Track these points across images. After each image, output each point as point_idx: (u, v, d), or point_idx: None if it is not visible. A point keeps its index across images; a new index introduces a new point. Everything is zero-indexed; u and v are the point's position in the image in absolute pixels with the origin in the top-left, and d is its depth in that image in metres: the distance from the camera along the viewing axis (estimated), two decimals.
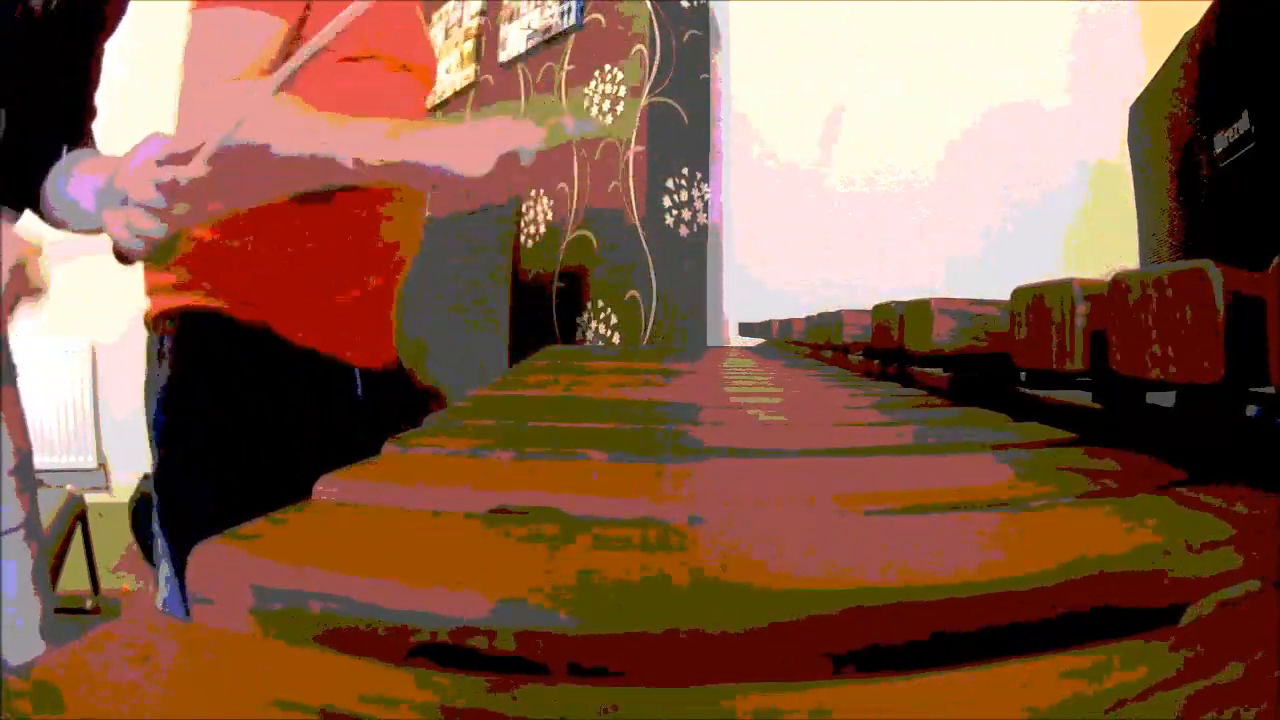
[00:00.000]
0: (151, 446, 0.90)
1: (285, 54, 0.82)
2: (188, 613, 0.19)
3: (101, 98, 0.88)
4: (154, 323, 0.90)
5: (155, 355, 0.89)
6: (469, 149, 0.85)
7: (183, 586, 0.26)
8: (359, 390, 0.99)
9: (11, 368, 0.83)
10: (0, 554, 0.74)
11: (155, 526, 0.91)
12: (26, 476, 0.81)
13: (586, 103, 1.93)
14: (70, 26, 0.78)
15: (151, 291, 0.91)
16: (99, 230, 0.75)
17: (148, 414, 0.90)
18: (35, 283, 0.70)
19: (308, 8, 0.84)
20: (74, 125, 0.83)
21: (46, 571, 0.82)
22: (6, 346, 0.83)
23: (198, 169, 0.68)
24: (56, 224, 0.81)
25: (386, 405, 1.03)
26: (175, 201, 0.69)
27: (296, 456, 0.86)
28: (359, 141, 0.82)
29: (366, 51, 0.89)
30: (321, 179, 0.85)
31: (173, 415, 0.88)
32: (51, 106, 0.79)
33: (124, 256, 0.74)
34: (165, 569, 0.92)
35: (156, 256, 0.73)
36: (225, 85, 0.79)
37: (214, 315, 0.87)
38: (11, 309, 0.69)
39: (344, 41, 0.84)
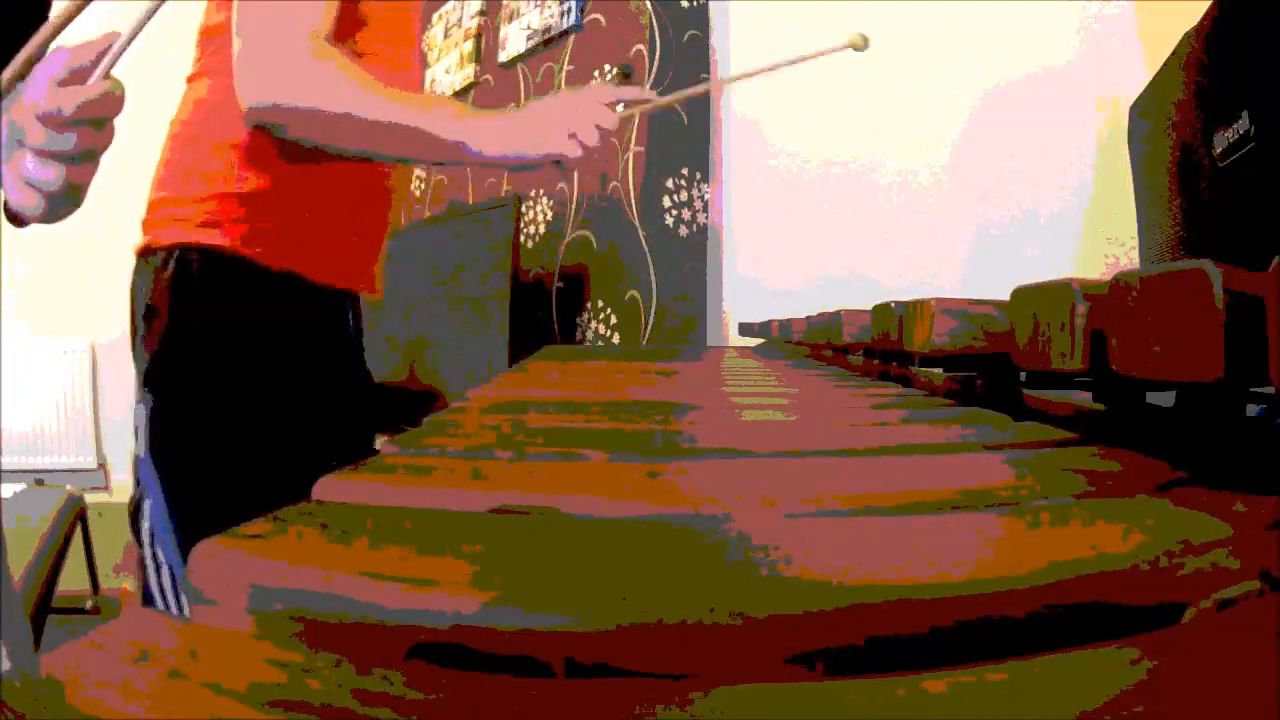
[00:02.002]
0: (150, 385, 0.87)
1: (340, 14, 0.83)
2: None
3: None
4: (161, 251, 0.88)
5: (156, 285, 0.87)
6: (536, 131, 0.88)
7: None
8: (350, 316, 1.00)
9: None
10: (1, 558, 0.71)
11: (152, 503, 0.88)
12: None
13: None
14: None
15: (158, 222, 0.90)
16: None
17: (142, 346, 0.88)
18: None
19: None
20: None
21: (9, 576, 0.74)
22: None
23: (97, 88, 0.52)
24: None
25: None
26: (75, 137, 0.52)
27: (313, 398, 0.88)
28: (439, 121, 0.85)
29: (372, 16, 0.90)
30: (413, 151, 0.86)
31: (178, 348, 0.86)
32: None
33: (17, 218, 0.58)
34: (161, 554, 0.90)
35: (54, 215, 0.56)
36: (295, 45, 0.80)
37: (236, 256, 0.87)
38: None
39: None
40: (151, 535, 0.89)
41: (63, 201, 0.55)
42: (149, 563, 0.90)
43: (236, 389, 0.85)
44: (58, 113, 0.51)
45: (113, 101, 0.53)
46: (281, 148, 0.85)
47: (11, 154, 0.54)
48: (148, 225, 0.91)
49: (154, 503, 0.86)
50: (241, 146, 0.86)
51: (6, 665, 0.65)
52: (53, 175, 0.53)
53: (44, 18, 0.71)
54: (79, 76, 0.52)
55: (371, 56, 0.89)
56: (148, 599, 0.92)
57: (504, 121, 0.92)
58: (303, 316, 0.91)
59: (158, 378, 0.86)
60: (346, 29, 0.86)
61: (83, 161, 0.54)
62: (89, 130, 0.53)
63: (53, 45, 0.56)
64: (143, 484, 0.87)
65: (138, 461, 0.87)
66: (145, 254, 0.89)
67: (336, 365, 0.96)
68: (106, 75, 0.53)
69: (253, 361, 0.87)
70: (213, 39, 0.89)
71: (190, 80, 0.93)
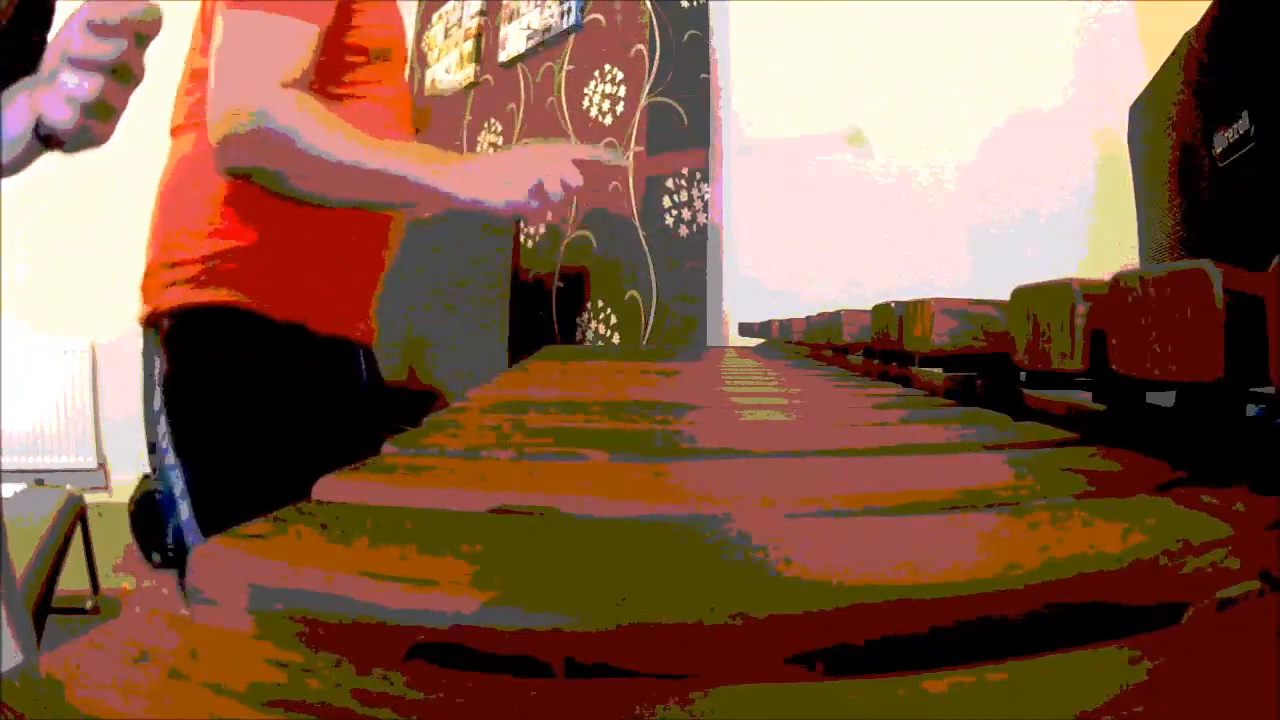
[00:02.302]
0: (162, 446, 0.88)
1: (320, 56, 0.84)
2: None
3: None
4: (166, 317, 0.89)
5: (168, 351, 0.88)
6: (502, 180, 0.88)
7: None
8: (364, 367, 1.02)
9: None
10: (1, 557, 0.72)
11: (185, 535, 0.89)
12: None
13: (586, 102, 1.93)
14: None
15: (158, 287, 0.90)
16: (23, 154, 0.63)
17: (153, 412, 0.89)
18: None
19: (341, 8, 0.85)
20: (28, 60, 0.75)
21: (14, 586, 0.77)
22: None
23: (140, 4, 0.56)
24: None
25: (379, 379, 1.06)
26: (115, 46, 0.56)
27: (326, 439, 0.87)
28: (413, 165, 0.86)
29: (368, 44, 0.90)
30: (382, 195, 0.86)
31: (202, 410, 0.87)
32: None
33: (49, 138, 0.61)
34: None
35: (82, 136, 0.59)
36: (266, 88, 0.80)
37: (239, 311, 0.87)
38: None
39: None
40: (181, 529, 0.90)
41: (95, 117, 0.58)
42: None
43: (262, 440, 0.86)
44: (102, 22, 0.55)
45: (154, 21, 0.57)
46: (268, 196, 0.86)
47: (47, 80, 0.58)
48: (147, 292, 0.92)
49: (181, 495, 0.88)
50: (229, 199, 0.87)
51: (7, 664, 0.65)
52: (89, 86, 0.56)
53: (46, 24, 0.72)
54: (104, 29, 0.55)
55: (362, 91, 0.89)
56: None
57: (472, 168, 0.93)
58: (313, 365, 0.92)
59: (189, 444, 0.87)
60: (335, 69, 0.87)
61: (119, 80, 0.57)
62: (130, 45, 0.56)
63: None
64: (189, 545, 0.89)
65: (183, 526, 0.88)
66: (150, 322, 0.90)
67: (353, 414, 0.97)
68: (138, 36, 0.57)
69: (275, 411, 0.88)
70: (194, 91, 0.90)
71: (174, 134, 0.94)
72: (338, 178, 0.82)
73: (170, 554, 0.94)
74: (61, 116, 0.58)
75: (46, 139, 0.61)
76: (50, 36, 0.72)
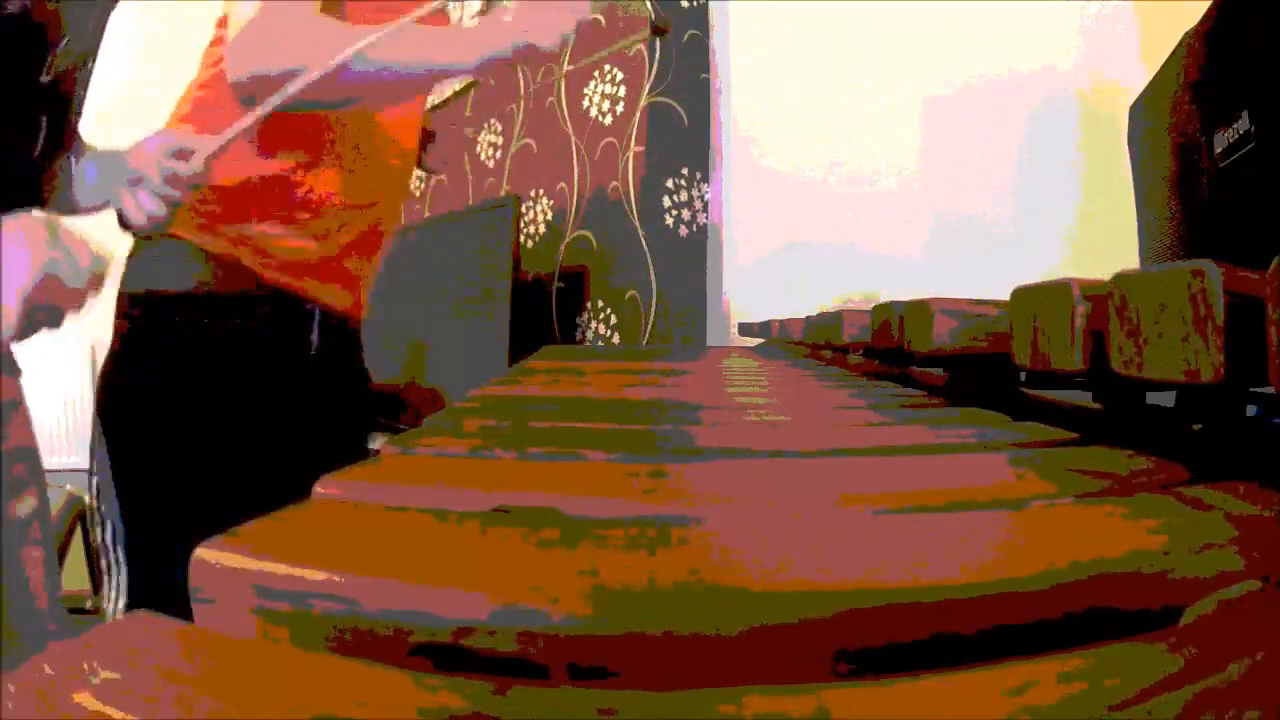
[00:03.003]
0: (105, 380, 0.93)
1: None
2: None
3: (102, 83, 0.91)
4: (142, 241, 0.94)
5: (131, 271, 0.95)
6: (541, 25, 0.93)
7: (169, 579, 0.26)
8: (316, 334, 1.02)
9: (14, 364, 0.85)
10: (2, 556, 0.74)
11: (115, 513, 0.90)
12: (36, 474, 0.82)
13: (586, 102, 1.93)
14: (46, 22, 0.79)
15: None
16: (102, 206, 0.86)
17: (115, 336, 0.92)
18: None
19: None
20: (57, 133, 0.86)
21: (56, 571, 0.83)
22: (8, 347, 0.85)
23: (198, 164, 0.81)
24: (58, 210, 0.87)
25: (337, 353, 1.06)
26: (177, 189, 0.81)
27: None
28: (447, 47, 0.88)
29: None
30: (371, 93, 0.89)
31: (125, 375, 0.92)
32: (31, 120, 0.83)
33: (127, 225, 0.85)
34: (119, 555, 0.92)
35: (155, 229, 0.85)
36: (280, 21, 0.83)
37: (178, 241, 0.92)
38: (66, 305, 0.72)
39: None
40: (98, 493, 0.91)
41: (160, 225, 0.85)
42: (95, 527, 0.93)
43: (188, 363, 0.89)
44: (172, 174, 0.82)
45: (205, 178, 0.85)
46: (261, 148, 0.88)
47: (126, 188, 0.83)
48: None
49: (101, 463, 0.90)
50: (227, 189, 0.90)
51: (8, 665, 0.66)
52: (161, 210, 0.83)
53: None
54: (182, 155, 0.82)
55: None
56: (93, 563, 0.98)
57: (455, 37, 0.96)
58: (244, 323, 0.94)
59: (112, 373, 0.91)
60: None
61: (177, 206, 0.84)
62: (188, 190, 0.84)
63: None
64: (95, 449, 0.92)
65: (93, 428, 0.91)
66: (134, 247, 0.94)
67: (290, 381, 0.98)
68: (204, 162, 0.83)
69: (192, 367, 0.90)
70: (207, 86, 0.95)
71: (177, 122, 0.97)
72: (331, 87, 0.84)
73: (104, 562, 0.94)
74: (138, 221, 0.84)
75: (125, 225, 0.86)
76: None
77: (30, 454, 0.83)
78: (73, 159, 0.88)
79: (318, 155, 0.96)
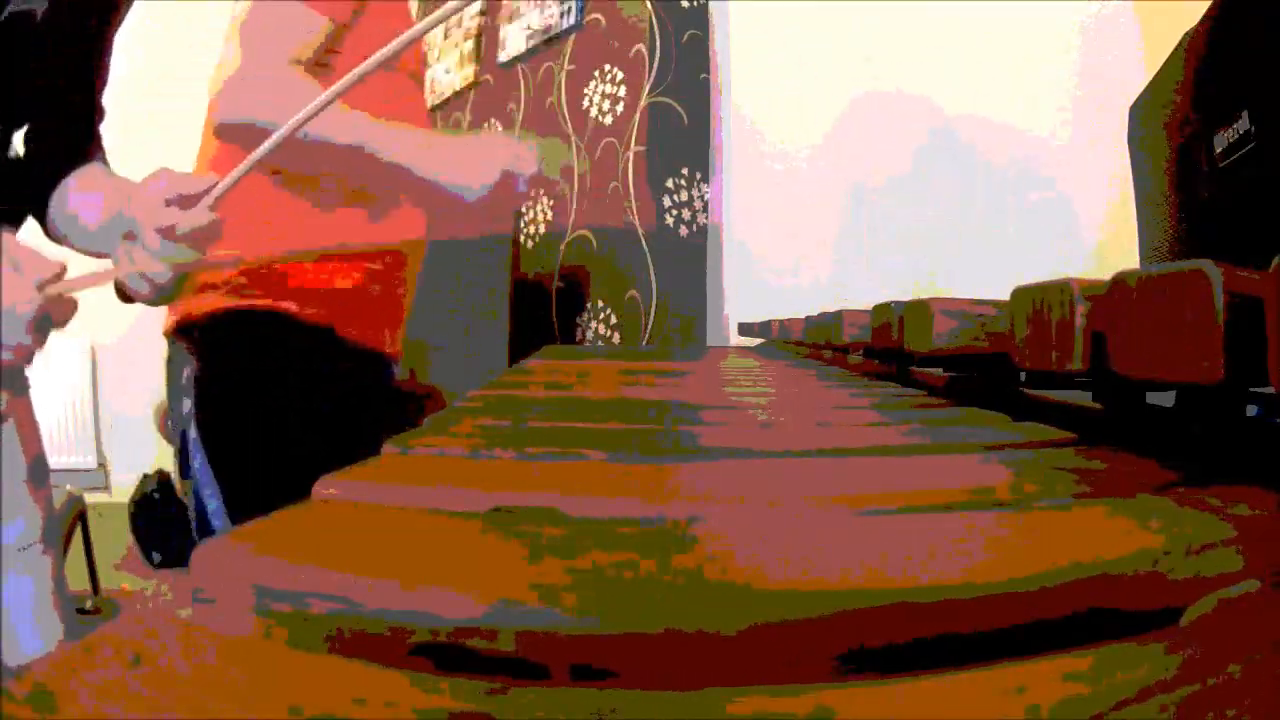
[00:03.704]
0: (193, 453, 0.90)
1: (327, 49, 0.86)
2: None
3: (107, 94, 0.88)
4: (199, 322, 0.90)
5: (204, 354, 0.90)
6: (475, 167, 0.89)
7: None
8: (394, 376, 1.04)
9: (25, 380, 0.83)
10: (1, 562, 0.73)
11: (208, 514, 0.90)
12: (42, 483, 0.81)
13: (586, 102, 1.93)
14: (75, 24, 0.77)
15: (189, 294, 0.91)
16: (99, 254, 0.73)
17: (181, 416, 0.90)
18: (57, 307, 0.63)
19: (358, 9, 0.87)
20: (84, 130, 0.83)
21: (64, 579, 0.81)
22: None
23: (202, 216, 0.67)
24: (57, 239, 0.79)
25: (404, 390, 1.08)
26: (180, 245, 0.66)
27: (355, 440, 0.90)
28: (388, 143, 0.87)
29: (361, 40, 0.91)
30: (358, 173, 0.88)
31: (237, 411, 0.89)
32: (60, 112, 0.78)
33: (126, 295, 0.71)
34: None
35: (159, 300, 0.70)
36: (275, 73, 0.83)
37: (274, 314, 0.89)
38: (33, 330, 0.61)
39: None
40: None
41: (169, 290, 0.68)
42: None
43: (292, 440, 0.88)
44: (170, 228, 0.65)
45: (214, 230, 0.67)
46: (302, 209, 0.87)
47: (124, 244, 0.66)
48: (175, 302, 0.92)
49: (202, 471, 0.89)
50: (266, 211, 0.89)
51: (7, 665, 0.67)
52: (163, 274, 0.66)
53: (109, 20, 0.77)
54: (183, 202, 0.65)
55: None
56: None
57: (446, 147, 0.94)
58: (344, 370, 0.94)
59: (223, 445, 0.89)
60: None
61: (180, 264, 0.67)
62: (191, 249, 0.66)
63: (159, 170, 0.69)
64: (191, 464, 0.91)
65: (215, 529, 0.89)
66: (179, 329, 0.91)
67: (379, 423, 0.98)
68: (211, 207, 0.66)
69: (306, 413, 0.89)
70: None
71: (214, 134, 0.95)
72: (312, 155, 0.85)
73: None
74: (139, 289, 0.68)
75: (124, 294, 0.71)
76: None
77: (40, 460, 0.82)
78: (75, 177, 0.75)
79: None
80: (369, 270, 0.97)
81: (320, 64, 0.87)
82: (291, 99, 0.82)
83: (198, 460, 0.89)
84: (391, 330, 1.05)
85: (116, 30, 0.82)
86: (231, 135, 0.83)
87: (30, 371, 0.81)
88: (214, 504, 0.89)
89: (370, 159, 0.86)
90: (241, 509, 0.89)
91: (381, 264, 0.99)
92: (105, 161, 0.82)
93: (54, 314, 0.60)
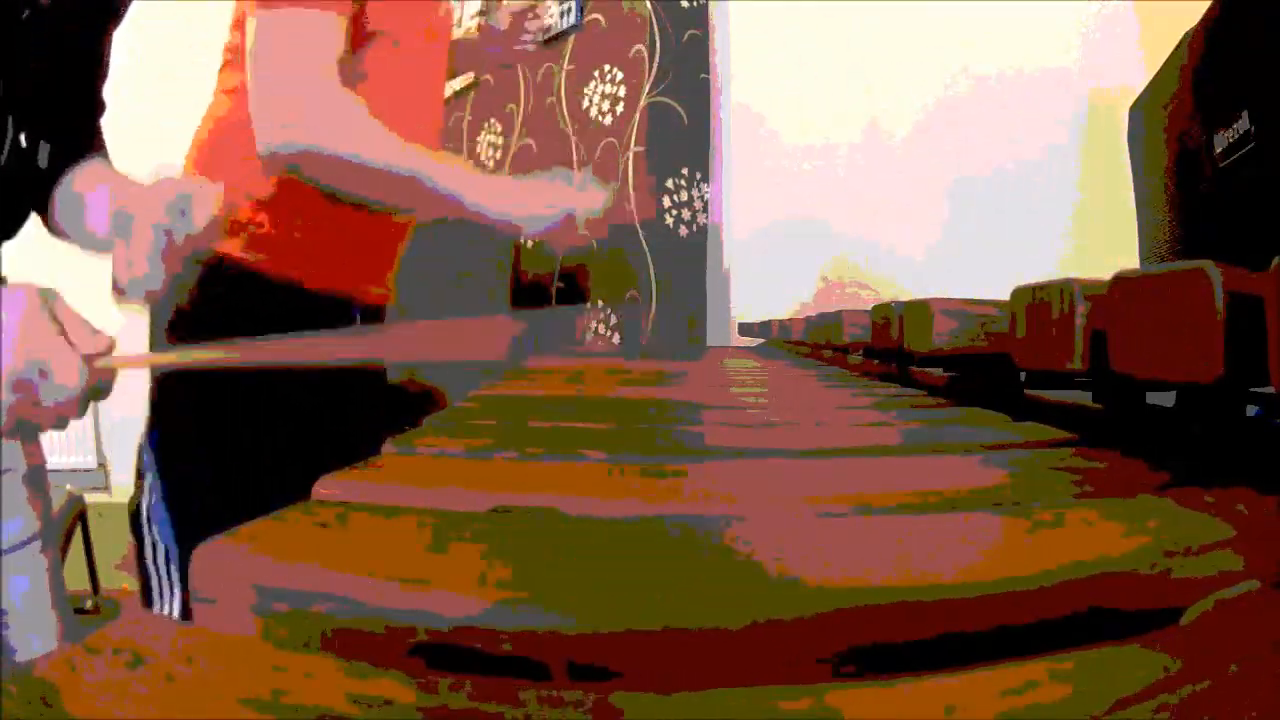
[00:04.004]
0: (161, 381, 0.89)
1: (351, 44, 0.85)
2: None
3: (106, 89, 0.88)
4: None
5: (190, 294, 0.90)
6: (533, 203, 0.92)
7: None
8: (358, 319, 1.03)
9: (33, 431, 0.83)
10: (1, 566, 0.73)
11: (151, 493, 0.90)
12: (40, 485, 0.80)
13: (586, 102, 1.93)
14: (79, 16, 0.76)
15: None
16: (102, 250, 0.72)
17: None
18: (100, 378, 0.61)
19: None
20: (85, 124, 0.82)
21: (62, 581, 0.81)
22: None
23: (196, 222, 0.66)
24: (58, 233, 0.80)
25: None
26: (175, 253, 0.65)
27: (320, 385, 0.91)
28: (443, 173, 0.88)
29: (377, 28, 0.90)
30: (401, 199, 0.89)
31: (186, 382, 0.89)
32: (61, 106, 0.78)
33: (121, 292, 0.71)
34: (158, 535, 0.91)
35: (148, 300, 0.69)
36: (307, 88, 0.81)
37: (239, 264, 0.88)
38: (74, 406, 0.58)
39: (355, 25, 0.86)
40: (149, 518, 0.91)
41: (154, 297, 0.67)
42: (147, 548, 0.92)
43: (236, 387, 0.87)
44: (169, 240, 0.64)
45: (208, 236, 0.66)
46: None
47: (120, 240, 0.66)
48: None
49: (153, 488, 0.89)
50: (254, 162, 0.88)
51: (8, 665, 0.67)
52: (157, 278, 0.65)
53: (111, 14, 0.76)
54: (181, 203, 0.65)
55: (381, 38, 0.90)
56: (145, 582, 0.95)
57: (501, 184, 0.95)
58: (302, 323, 0.93)
59: (167, 376, 0.89)
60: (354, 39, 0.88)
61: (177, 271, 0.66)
62: (185, 258, 0.66)
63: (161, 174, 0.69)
64: (145, 472, 0.90)
65: (141, 451, 0.90)
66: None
67: (335, 371, 0.97)
68: (204, 218, 0.66)
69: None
70: (231, 59, 0.91)
71: (216, 94, 0.95)
72: (375, 184, 0.85)
73: (155, 562, 0.94)
74: (132, 294, 0.67)
75: (117, 290, 0.70)
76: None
77: (38, 468, 0.82)
78: (79, 169, 0.76)
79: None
80: (359, 235, 0.97)
81: (348, 64, 0.86)
82: (340, 114, 0.82)
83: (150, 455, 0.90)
84: (374, 277, 1.03)
85: (118, 24, 0.82)
86: (282, 165, 0.82)
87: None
88: (152, 480, 0.89)
89: (425, 190, 0.87)
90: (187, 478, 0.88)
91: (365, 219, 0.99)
92: (106, 156, 0.82)
93: (99, 387, 0.59)
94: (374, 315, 1.06)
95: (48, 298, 0.56)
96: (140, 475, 0.91)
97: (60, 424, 0.58)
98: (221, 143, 0.92)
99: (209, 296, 0.88)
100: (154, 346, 0.90)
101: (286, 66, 0.82)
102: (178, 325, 0.89)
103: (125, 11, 0.82)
